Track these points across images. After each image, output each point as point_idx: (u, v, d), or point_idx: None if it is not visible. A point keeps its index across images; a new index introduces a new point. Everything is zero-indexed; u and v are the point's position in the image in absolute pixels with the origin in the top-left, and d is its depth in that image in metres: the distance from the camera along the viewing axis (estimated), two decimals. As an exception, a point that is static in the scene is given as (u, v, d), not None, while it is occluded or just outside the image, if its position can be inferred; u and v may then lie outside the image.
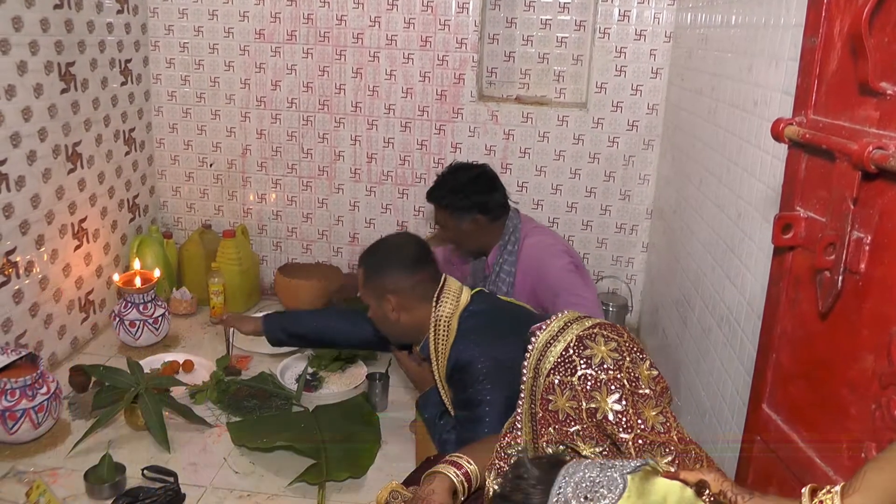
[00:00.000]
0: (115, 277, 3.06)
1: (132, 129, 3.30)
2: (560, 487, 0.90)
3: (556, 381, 1.30)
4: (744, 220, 1.95)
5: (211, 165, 3.55)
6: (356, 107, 3.36)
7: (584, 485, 0.89)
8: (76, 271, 2.89)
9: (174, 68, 3.42)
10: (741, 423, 1.59)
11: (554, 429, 1.31)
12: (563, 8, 3.26)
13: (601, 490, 0.87)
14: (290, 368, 2.85)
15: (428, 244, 2.09)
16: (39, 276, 2.65)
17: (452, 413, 1.97)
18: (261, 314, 2.59)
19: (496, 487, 1.43)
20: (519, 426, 1.44)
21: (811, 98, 1.25)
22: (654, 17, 3.10)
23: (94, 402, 2.41)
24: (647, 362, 1.31)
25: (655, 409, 1.25)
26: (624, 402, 1.24)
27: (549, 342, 1.33)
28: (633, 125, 3.23)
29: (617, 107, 3.22)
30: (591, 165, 3.30)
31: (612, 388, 1.25)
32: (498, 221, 2.56)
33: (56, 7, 2.65)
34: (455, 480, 1.55)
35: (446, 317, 1.90)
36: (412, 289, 1.95)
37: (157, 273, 3.09)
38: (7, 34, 2.40)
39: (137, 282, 3.00)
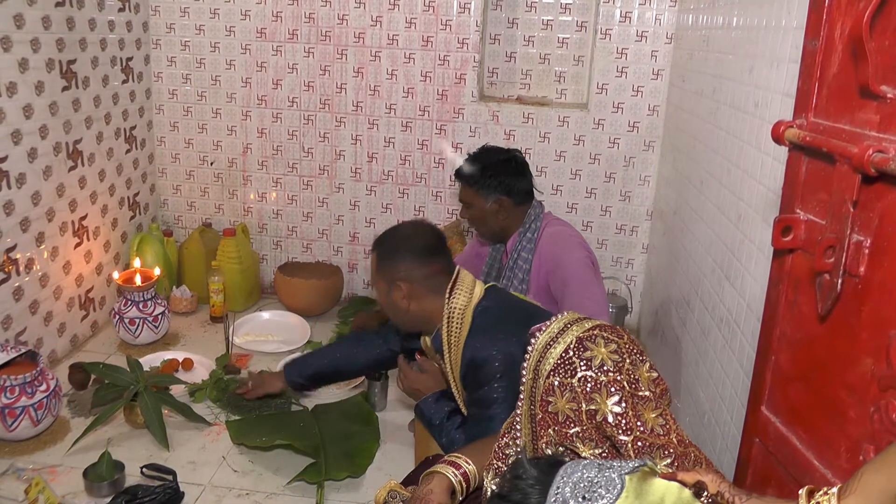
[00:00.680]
0: (116, 275, 3.06)
1: (133, 127, 3.30)
2: (558, 487, 0.90)
3: (556, 383, 1.30)
4: (744, 221, 1.96)
5: (212, 164, 3.55)
6: (357, 106, 3.36)
7: (582, 485, 0.89)
8: (76, 269, 2.89)
9: (175, 66, 3.43)
10: (740, 424, 1.60)
11: (553, 430, 1.31)
12: (565, 9, 3.27)
13: (599, 490, 0.87)
14: (289, 367, 2.85)
15: (443, 234, 2.06)
16: (40, 274, 2.65)
17: (463, 409, 1.96)
18: (280, 366, 2.60)
19: (494, 487, 1.43)
20: (518, 427, 1.44)
21: (812, 101, 1.25)
22: (656, 19, 3.11)
23: (94, 399, 2.41)
24: (647, 364, 1.31)
25: (655, 412, 1.25)
26: (624, 404, 1.24)
27: (549, 343, 1.33)
28: (633, 126, 3.23)
29: (618, 108, 3.22)
30: (591, 166, 3.30)
31: (612, 389, 1.25)
32: (521, 207, 2.55)
33: (58, 5, 2.65)
34: (453, 480, 1.55)
35: (460, 309, 1.88)
36: (424, 278, 1.92)
37: (157, 271, 3.09)
38: (9, 31, 2.40)
39: (137, 280, 3.00)
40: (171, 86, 3.45)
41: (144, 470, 2.12)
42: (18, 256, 2.52)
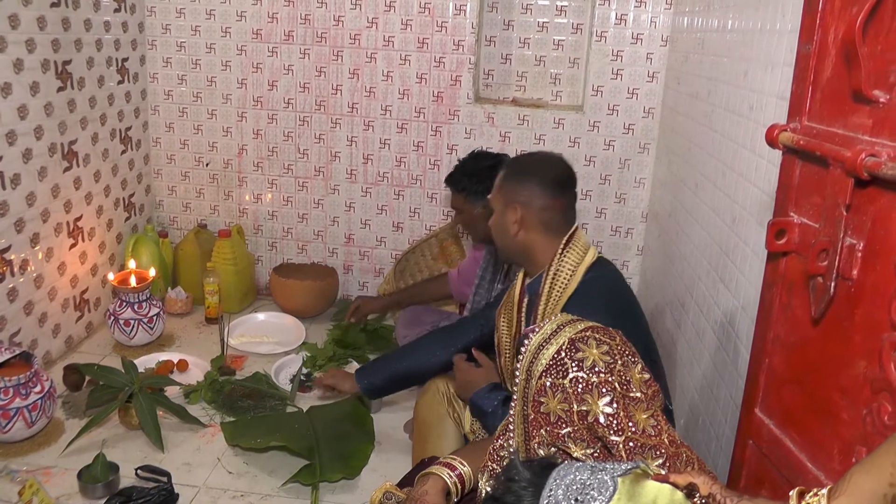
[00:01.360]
0: (111, 276, 3.05)
1: (128, 128, 3.30)
2: (551, 490, 0.90)
3: (548, 384, 1.30)
4: (739, 224, 1.96)
5: (207, 165, 3.54)
6: (353, 108, 3.36)
7: (574, 487, 0.89)
8: (71, 270, 2.89)
9: (171, 67, 3.42)
10: (734, 426, 1.60)
11: (545, 430, 1.31)
12: (560, 11, 3.27)
13: (592, 492, 0.88)
14: (284, 369, 2.85)
15: (575, 176, 1.94)
16: (34, 275, 2.64)
17: None
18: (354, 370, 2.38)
19: (488, 489, 1.43)
20: (511, 428, 1.45)
21: (806, 104, 1.26)
22: (651, 21, 3.11)
23: (88, 401, 2.40)
24: (639, 366, 1.32)
25: (646, 413, 1.26)
26: (615, 405, 1.24)
27: (542, 345, 1.33)
28: (629, 128, 3.24)
29: (613, 110, 3.23)
30: (586, 168, 3.30)
31: (604, 390, 1.25)
32: None
33: (53, 5, 2.65)
34: (448, 482, 1.56)
35: (570, 267, 1.78)
36: (542, 210, 1.82)
37: (152, 272, 3.09)
38: (3, 32, 2.40)
39: (132, 281, 2.99)
40: (167, 87, 3.45)
41: (139, 471, 2.12)
42: (13, 257, 2.52)
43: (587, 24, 3.24)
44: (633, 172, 3.29)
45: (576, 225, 1.85)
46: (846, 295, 1.12)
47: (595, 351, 1.29)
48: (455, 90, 3.28)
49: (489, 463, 1.50)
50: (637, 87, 3.18)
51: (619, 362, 1.29)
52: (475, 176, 2.52)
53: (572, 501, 0.87)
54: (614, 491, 0.87)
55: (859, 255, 1.08)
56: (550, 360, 1.31)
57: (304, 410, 2.52)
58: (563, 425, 1.28)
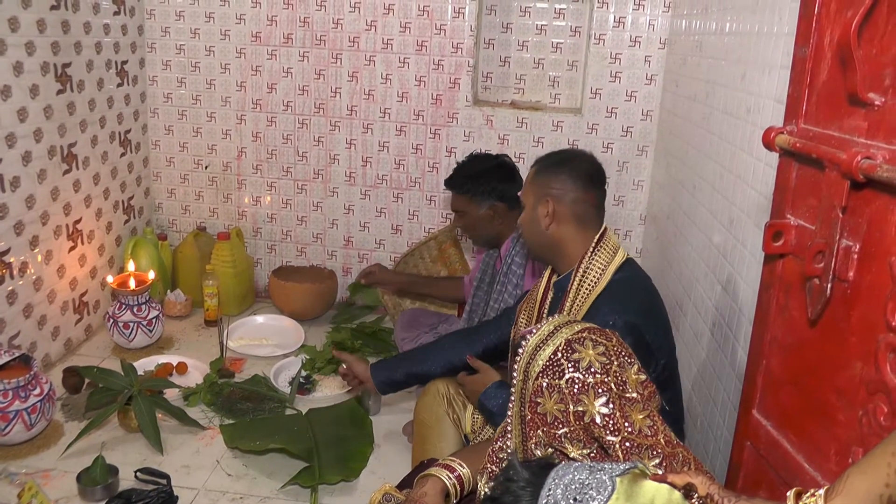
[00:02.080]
0: (110, 279, 3.05)
1: (128, 131, 3.30)
2: (549, 490, 0.91)
3: (545, 384, 1.31)
4: (736, 226, 1.97)
5: (206, 168, 3.55)
6: (351, 110, 3.37)
7: (573, 487, 0.89)
8: (70, 272, 2.89)
9: (170, 70, 3.43)
10: (732, 428, 1.61)
11: (542, 431, 1.32)
12: (559, 14, 3.28)
13: (590, 492, 0.88)
14: (283, 371, 2.85)
15: (605, 175, 1.93)
16: (33, 277, 2.64)
17: None
18: (371, 364, 2.25)
19: (487, 491, 1.43)
20: (510, 429, 1.45)
21: (802, 107, 1.27)
22: (649, 24, 3.12)
23: (88, 403, 2.41)
24: (636, 367, 1.32)
25: (643, 413, 1.26)
26: (611, 406, 1.25)
27: (539, 346, 1.34)
28: (627, 131, 3.25)
29: (611, 113, 3.23)
30: (585, 171, 3.30)
31: (600, 391, 1.25)
32: (514, 211, 2.54)
33: (53, 8, 2.65)
34: (447, 483, 1.56)
35: (600, 267, 1.78)
36: (574, 203, 1.81)
37: (151, 275, 3.09)
38: (3, 35, 2.41)
39: (132, 283, 3.00)
40: (166, 89, 3.46)
41: (138, 474, 2.12)
42: (12, 260, 2.52)
43: (585, 27, 3.24)
44: (631, 175, 3.30)
45: (605, 225, 1.85)
46: (842, 296, 1.12)
47: (591, 352, 1.29)
48: (454, 93, 3.29)
49: (488, 464, 1.50)
50: (635, 89, 3.19)
51: (616, 363, 1.29)
52: (479, 177, 2.52)
53: (571, 501, 0.88)
54: (612, 491, 0.88)
55: (855, 256, 1.09)
56: (547, 361, 1.31)
57: (304, 413, 2.52)
58: (560, 426, 1.29)
